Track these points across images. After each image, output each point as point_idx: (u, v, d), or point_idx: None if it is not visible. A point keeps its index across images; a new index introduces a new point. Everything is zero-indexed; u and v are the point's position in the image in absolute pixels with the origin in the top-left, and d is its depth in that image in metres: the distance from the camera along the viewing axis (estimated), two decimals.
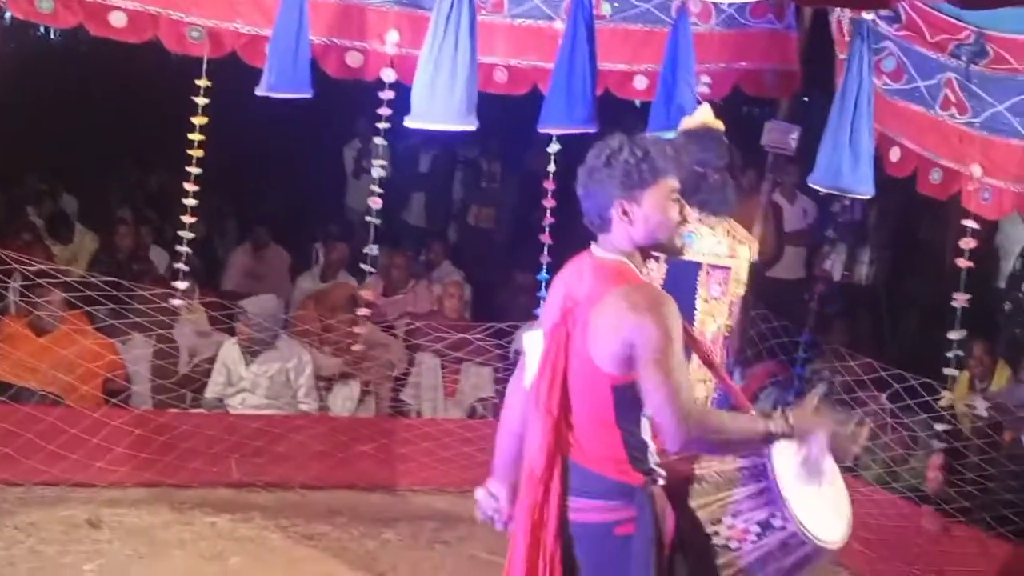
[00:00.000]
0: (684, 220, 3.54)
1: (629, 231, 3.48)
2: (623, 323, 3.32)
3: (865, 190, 6.33)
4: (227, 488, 6.92)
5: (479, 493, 3.80)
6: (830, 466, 3.59)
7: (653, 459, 3.50)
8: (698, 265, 5.23)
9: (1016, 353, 7.89)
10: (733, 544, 3.54)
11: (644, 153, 3.46)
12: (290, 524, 6.56)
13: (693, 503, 3.59)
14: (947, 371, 6.38)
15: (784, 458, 3.46)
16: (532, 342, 3.65)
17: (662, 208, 3.47)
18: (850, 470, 6.89)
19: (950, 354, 6.36)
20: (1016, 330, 8.30)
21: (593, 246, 3.57)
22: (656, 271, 5.11)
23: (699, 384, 4.99)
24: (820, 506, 3.53)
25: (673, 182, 3.50)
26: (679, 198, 3.52)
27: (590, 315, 3.39)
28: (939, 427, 6.51)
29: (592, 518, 3.46)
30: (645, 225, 3.46)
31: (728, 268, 5.31)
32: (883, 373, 7.04)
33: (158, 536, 6.22)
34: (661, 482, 3.50)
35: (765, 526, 3.49)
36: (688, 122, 5.49)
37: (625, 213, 3.46)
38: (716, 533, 3.56)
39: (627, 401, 3.40)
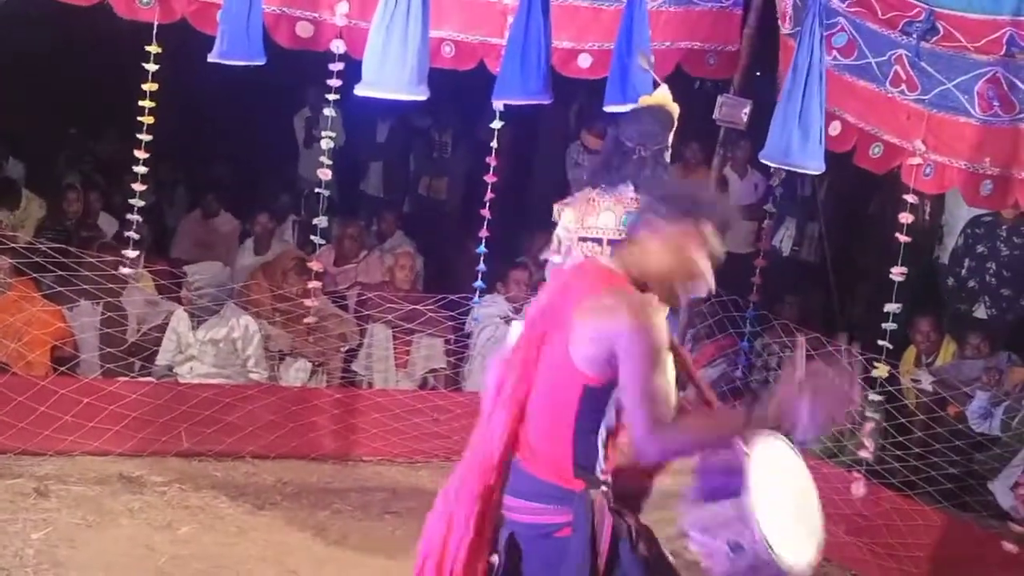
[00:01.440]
0: (703, 276, 3.50)
1: (647, 252, 3.48)
2: (607, 326, 3.31)
3: (815, 166, 6.38)
4: (177, 457, 6.89)
5: None
6: (808, 482, 3.57)
7: (600, 469, 3.46)
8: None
9: (960, 329, 8.00)
10: (703, 562, 3.47)
11: (692, 191, 3.62)
12: (240, 494, 6.56)
13: (656, 516, 3.57)
14: (882, 343, 6.44)
15: (760, 475, 3.35)
16: (517, 332, 3.66)
17: (680, 248, 3.46)
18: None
19: (886, 326, 6.43)
20: (959, 306, 8.40)
21: (602, 256, 3.60)
22: (597, 252, 5.12)
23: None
24: (792, 527, 3.47)
25: (704, 229, 3.48)
26: (703, 249, 3.48)
27: (574, 314, 3.38)
28: (874, 397, 6.58)
29: (527, 519, 3.48)
30: (665, 256, 3.46)
31: None
32: (830, 348, 7.10)
33: (106, 505, 6.19)
34: (605, 489, 3.47)
35: (735, 547, 3.40)
36: (644, 100, 5.53)
37: (648, 236, 3.47)
38: (685, 548, 3.50)
39: (592, 405, 3.39)
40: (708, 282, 3.52)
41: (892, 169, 6.67)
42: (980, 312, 8.22)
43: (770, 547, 3.34)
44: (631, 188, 5.29)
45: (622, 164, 5.33)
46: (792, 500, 3.48)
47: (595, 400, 3.38)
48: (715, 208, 3.52)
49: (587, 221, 5.28)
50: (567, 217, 5.33)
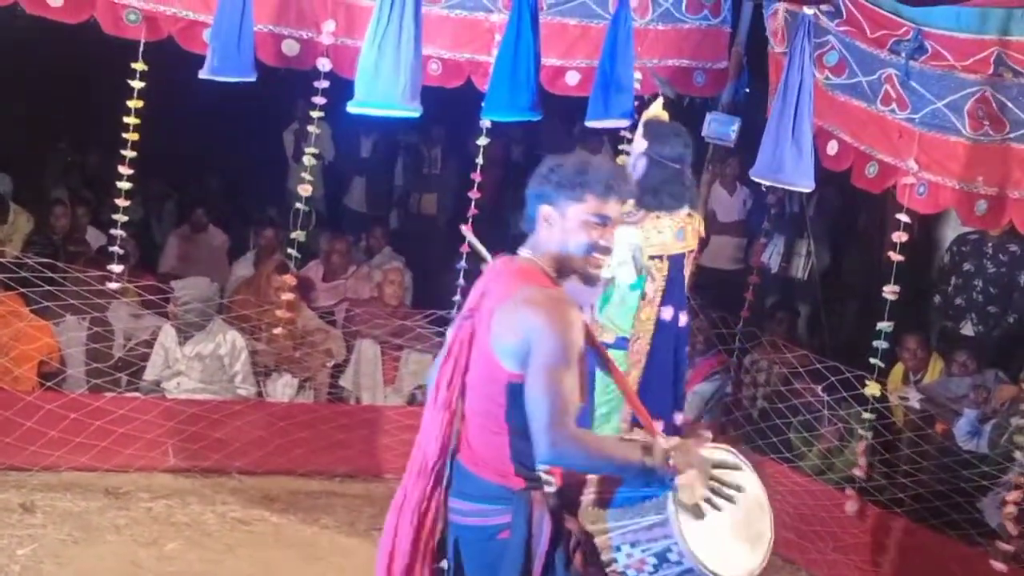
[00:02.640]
0: (602, 249, 3.56)
1: (548, 238, 3.55)
2: (522, 321, 3.37)
3: (806, 184, 6.38)
4: (164, 473, 6.88)
5: None
6: (753, 489, 3.59)
7: (541, 466, 3.48)
8: (683, 255, 5.49)
9: (947, 346, 8.01)
10: (631, 573, 3.51)
11: (582, 168, 3.52)
12: (227, 510, 6.55)
13: (593, 525, 3.55)
14: (874, 361, 6.45)
15: (688, 490, 3.40)
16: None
17: (581, 226, 3.52)
18: (788, 461, 7.00)
19: (877, 344, 6.44)
20: (946, 323, 8.41)
21: (520, 248, 3.62)
22: (660, 269, 5.39)
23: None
24: (727, 538, 3.48)
25: (601, 206, 3.53)
26: (602, 225, 3.54)
27: (495, 311, 3.44)
28: (866, 416, 6.59)
29: (473, 522, 3.51)
30: (562, 236, 3.53)
31: (693, 251, 5.64)
32: (819, 365, 7.13)
33: (93, 521, 6.18)
34: (548, 489, 3.49)
35: (661, 559, 3.45)
36: (649, 114, 5.61)
37: (548, 219, 3.54)
38: (615, 560, 3.52)
39: (521, 401, 3.40)
40: (608, 254, 3.60)
41: (888, 188, 6.68)
42: (967, 329, 8.23)
43: (699, 560, 3.38)
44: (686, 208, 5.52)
45: (671, 184, 5.43)
46: (730, 509, 3.47)
47: (522, 396, 3.39)
48: (600, 179, 3.53)
49: (652, 239, 5.43)
50: (633, 235, 5.41)
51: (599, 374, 4.50)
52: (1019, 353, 7.61)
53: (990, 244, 8.13)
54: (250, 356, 7.48)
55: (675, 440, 3.51)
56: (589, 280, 3.61)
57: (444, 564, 3.58)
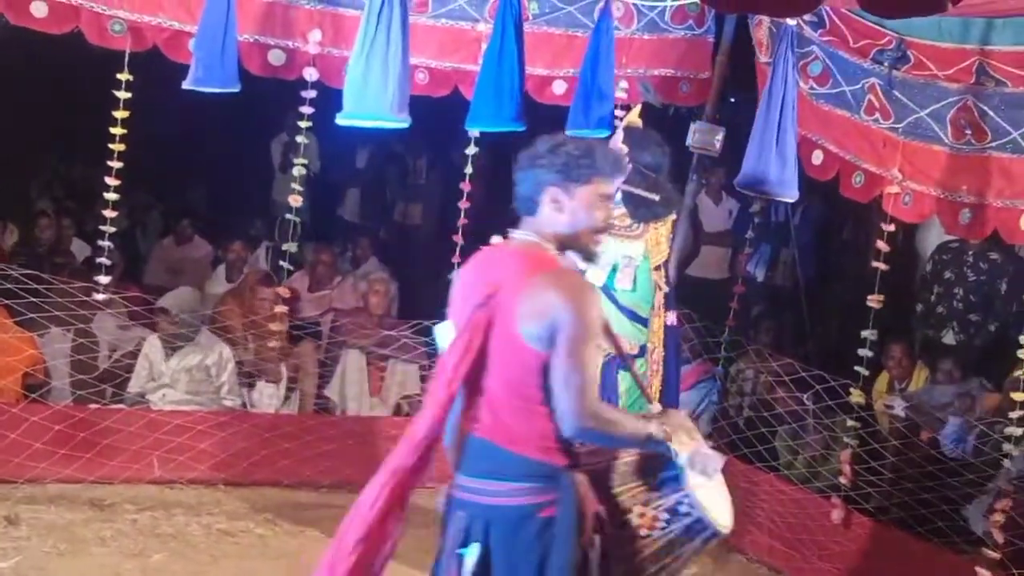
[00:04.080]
0: (608, 226, 3.67)
1: (555, 220, 3.60)
2: (548, 304, 3.42)
3: (790, 194, 6.38)
4: (149, 484, 6.86)
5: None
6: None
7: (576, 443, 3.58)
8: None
9: (929, 354, 8.03)
10: (643, 532, 3.73)
11: (588, 150, 3.60)
12: (213, 521, 6.53)
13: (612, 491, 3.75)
14: (858, 369, 6.47)
15: (686, 451, 3.69)
16: (444, 333, 3.74)
17: (591, 206, 3.60)
18: (774, 469, 7.01)
19: (861, 352, 6.45)
20: (927, 331, 8.44)
21: (513, 231, 3.67)
22: (661, 276, 5.66)
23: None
24: (715, 495, 3.79)
25: (608, 186, 3.64)
26: (608, 203, 3.65)
27: (519, 297, 3.46)
28: (850, 423, 6.60)
29: (508, 501, 3.51)
30: (572, 218, 3.59)
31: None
32: (804, 374, 7.14)
33: (78, 533, 6.16)
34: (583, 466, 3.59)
35: (672, 513, 3.71)
36: (629, 120, 5.67)
37: (556, 201, 3.58)
38: (628, 521, 3.73)
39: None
40: (607, 231, 3.71)
41: (875, 198, 6.69)
42: (948, 338, 8.26)
43: (705, 511, 3.71)
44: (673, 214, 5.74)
45: (657, 192, 5.57)
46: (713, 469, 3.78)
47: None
48: (607, 160, 3.64)
49: (662, 247, 5.66)
50: (636, 248, 5.53)
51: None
52: (1001, 362, 7.62)
53: (971, 252, 8.15)
54: (236, 367, 7.47)
55: (658, 408, 3.89)
56: (591, 257, 3.70)
57: (467, 550, 3.55)
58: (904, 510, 6.50)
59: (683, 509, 3.71)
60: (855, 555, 6.39)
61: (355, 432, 7.34)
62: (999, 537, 5.91)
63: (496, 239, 3.99)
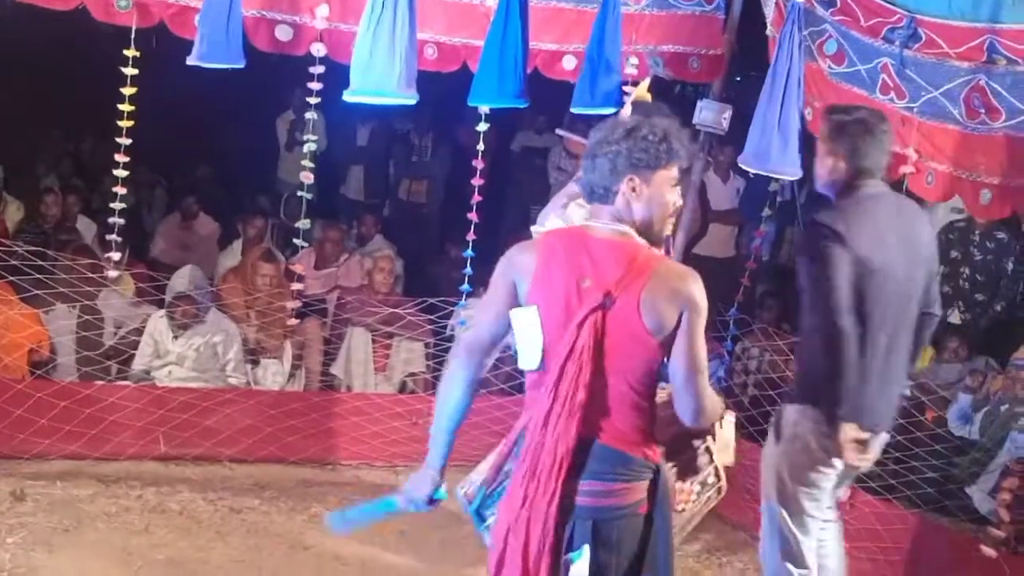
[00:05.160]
0: (677, 209, 3.67)
1: (633, 207, 3.56)
2: (677, 296, 3.45)
3: (792, 171, 6.37)
4: (154, 461, 6.87)
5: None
6: None
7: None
8: None
9: (935, 333, 8.01)
10: (679, 506, 3.83)
11: (665, 135, 3.54)
12: (218, 498, 6.54)
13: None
14: None
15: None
16: (523, 319, 3.58)
17: (666, 192, 3.58)
18: None
19: None
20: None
21: (591, 221, 3.61)
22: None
23: None
24: (727, 456, 3.99)
25: (678, 169, 3.60)
26: (677, 186, 3.62)
27: (640, 292, 3.45)
28: None
29: (613, 501, 3.50)
30: (648, 204, 3.56)
31: None
32: None
33: (83, 509, 6.17)
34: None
35: (703, 484, 3.88)
36: (633, 95, 5.60)
37: (634, 190, 3.54)
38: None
39: (664, 374, 3.54)
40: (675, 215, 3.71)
41: (899, 179, 6.63)
42: (954, 317, 8.24)
43: (722, 479, 3.93)
44: None
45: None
46: None
47: (666, 369, 3.54)
48: (681, 143, 3.59)
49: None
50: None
51: None
52: (1008, 341, 7.62)
53: (977, 231, 8.13)
54: (242, 345, 7.48)
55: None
56: (659, 240, 3.68)
57: (577, 554, 3.49)
58: (909, 488, 6.49)
59: (711, 480, 3.86)
60: (859, 533, 6.39)
61: (360, 410, 7.34)
62: (1005, 515, 5.91)
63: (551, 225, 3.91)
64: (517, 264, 3.62)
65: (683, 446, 3.93)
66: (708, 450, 3.95)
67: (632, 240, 3.55)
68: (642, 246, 3.55)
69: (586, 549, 3.47)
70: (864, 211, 4.53)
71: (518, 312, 3.57)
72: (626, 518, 3.50)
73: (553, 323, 3.50)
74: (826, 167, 4.67)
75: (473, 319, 3.80)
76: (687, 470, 3.91)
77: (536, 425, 3.48)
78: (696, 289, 3.47)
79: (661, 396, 3.66)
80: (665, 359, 3.50)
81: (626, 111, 5.61)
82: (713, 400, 3.56)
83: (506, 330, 3.62)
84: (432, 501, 3.70)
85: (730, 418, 3.78)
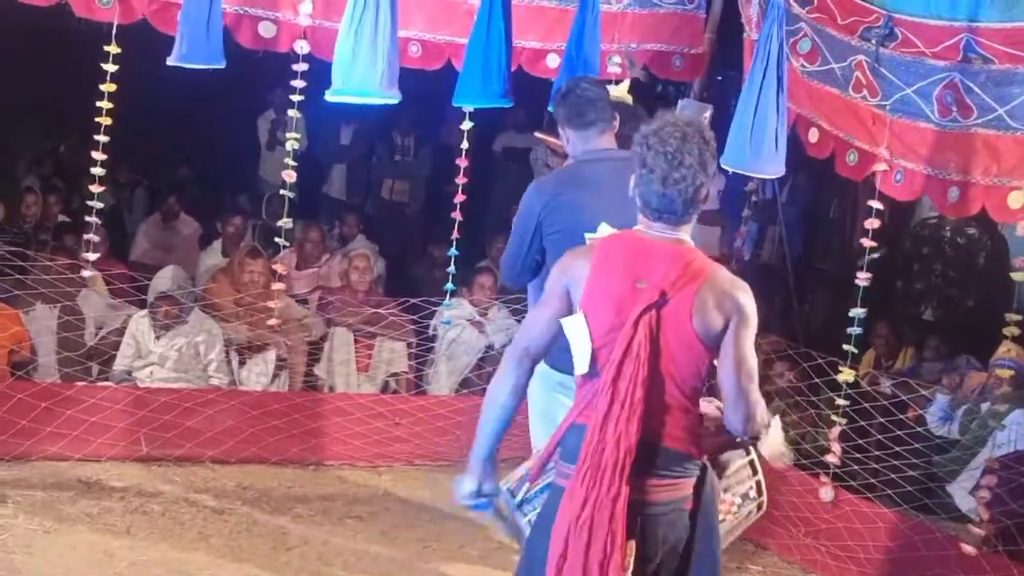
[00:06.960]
0: None
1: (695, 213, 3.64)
2: (731, 303, 3.48)
3: (773, 171, 6.35)
4: (136, 462, 6.85)
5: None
6: None
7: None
8: None
9: (911, 331, 8.03)
10: (720, 517, 3.80)
11: (713, 138, 3.61)
12: (200, 498, 6.52)
13: None
14: (847, 347, 6.45)
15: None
16: (571, 326, 3.58)
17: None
18: None
19: (850, 330, 6.45)
20: (907, 308, 8.44)
21: (656, 226, 3.59)
22: None
23: None
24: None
25: None
26: None
27: (694, 295, 3.47)
28: (840, 402, 6.60)
29: (664, 497, 3.52)
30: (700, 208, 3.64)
31: None
32: (790, 351, 7.15)
33: (65, 511, 6.14)
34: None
35: (744, 497, 3.90)
36: (616, 94, 5.57)
37: (705, 198, 3.62)
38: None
39: (705, 382, 3.58)
40: None
41: (868, 177, 6.65)
42: (928, 314, 8.25)
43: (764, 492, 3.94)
44: None
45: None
46: None
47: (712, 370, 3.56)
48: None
49: None
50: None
51: None
52: (987, 339, 7.65)
53: (948, 228, 8.14)
54: (224, 346, 7.46)
55: None
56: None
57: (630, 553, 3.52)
58: (890, 487, 6.51)
59: (752, 494, 3.88)
60: (840, 532, 6.41)
61: (342, 410, 7.33)
62: (984, 514, 5.94)
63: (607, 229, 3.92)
64: (571, 270, 3.63)
65: (724, 458, 3.97)
66: (752, 464, 3.97)
67: (688, 245, 3.59)
68: (697, 251, 3.58)
69: (631, 545, 3.47)
70: None
71: (567, 320, 3.59)
72: (672, 513, 3.53)
73: (605, 326, 3.52)
74: None
75: (524, 324, 3.77)
76: (728, 482, 3.93)
77: (595, 426, 3.48)
78: (746, 299, 3.50)
79: (707, 409, 3.71)
80: (713, 363, 3.52)
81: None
82: (763, 407, 3.57)
83: (558, 336, 3.62)
84: (480, 495, 3.71)
85: (776, 422, 3.74)
